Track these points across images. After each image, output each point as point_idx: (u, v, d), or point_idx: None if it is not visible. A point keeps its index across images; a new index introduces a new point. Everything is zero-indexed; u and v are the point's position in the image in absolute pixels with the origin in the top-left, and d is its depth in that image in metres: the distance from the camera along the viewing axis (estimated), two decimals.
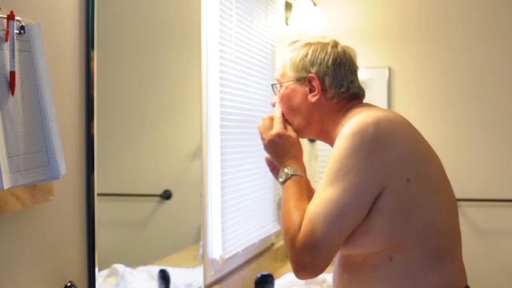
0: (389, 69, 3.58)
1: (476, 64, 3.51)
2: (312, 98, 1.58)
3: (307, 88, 1.58)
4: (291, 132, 1.63)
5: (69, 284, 1.44)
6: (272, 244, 3.24)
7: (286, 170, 1.58)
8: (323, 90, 1.57)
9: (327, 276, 2.66)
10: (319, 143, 3.65)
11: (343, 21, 3.59)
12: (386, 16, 3.62)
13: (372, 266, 1.45)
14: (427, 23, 3.58)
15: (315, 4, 3.52)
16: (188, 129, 2.34)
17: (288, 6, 3.44)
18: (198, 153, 2.30)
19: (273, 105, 1.70)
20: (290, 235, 1.44)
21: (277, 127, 1.63)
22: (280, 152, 1.62)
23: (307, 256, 1.40)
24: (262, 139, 1.67)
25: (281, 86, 1.64)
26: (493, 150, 3.48)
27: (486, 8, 3.52)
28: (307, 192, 1.61)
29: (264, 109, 3.03)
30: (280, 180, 1.58)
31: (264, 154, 1.73)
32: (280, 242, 3.33)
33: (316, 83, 1.57)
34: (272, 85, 1.69)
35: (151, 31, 2.10)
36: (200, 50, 2.29)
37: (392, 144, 1.41)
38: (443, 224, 1.47)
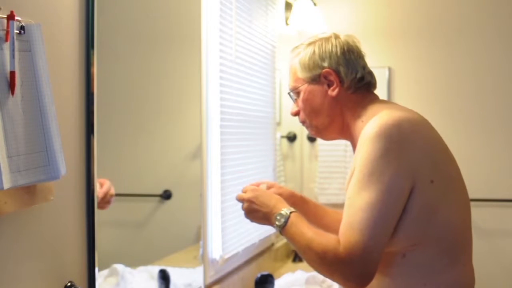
0: (389, 69, 3.58)
1: (476, 64, 3.51)
2: (333, 92, 1.57)
3: (325, 85, 1.58)
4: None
5: (69, 284, 1.44)
6: (272, 244, 3.24)
7: (282, 212, 1.53)
8: (341, 81, 1.57)
9: None
10: (319, 143, 3.65)
11: (343, 21, 3.59)
12: (386, 16, 3.62)
13: (385, 262, 1.45)
14: (427, 23, 3.58)
15: (315, 4, 3.52)
16: (188, 129, 2.34)
17: (288, 6, 3.44)
18: (198, 153, 2.30)
19: (293, 114, 1.68)
20: (330, 255, 1.38)
21: (247, 194, 1.63)
22: (262, 207, 1.59)
23: (359, 264, 1.35)
24: (246, 215, 1.65)
25: (298, 93, 1.63)
26: (493, 150, 3.48)
27: (486, 8, 3.52)
28: (315, 207, 1.62)
29: (264, 109, 3.03)
30: (279, 224, 1.52)
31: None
32: (280, 242, 3.33)
33: (332, 77, 1.57)
34: (288, 93, 1.68)
35: (151, 31, 2.10)
36: (200, 50, 2.29)
37: (415, 145, 1.42)
38: (460, 224, 1.48)
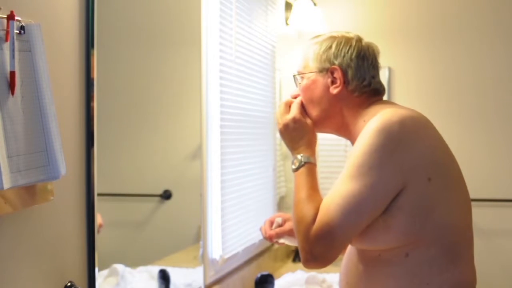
0: (389, 69, 3.58)
1: (476, 64, 3.51)
2: (334, 90, 1.58)
3: (329, 80, 1.58)
4: (309, 121, 1.62)
5: (69, 284, 1.44)
6: (272, 244, 3.24)
7: (299, 156, 1.58)
8: (345, 82, 1.57)
9: (327, 276, 2.66)
10: (319, 143, 3.64)
11: (343, 21, 3.59)
12: (386, 16, 3.62)
13: (387, 262, 1.46)
14: (427, 23, 3.58)
15: (315, 4, 3.52)
16: (188, 129, 2.34)
17: (288, 6, 3.44)
18: (198, 153, 2.30)
19: (292, 97, 1.69)
20: (304, 224, 1.44)
21: (294, 112, 1.62)
22: (294, 137, 1.61)
23: (320, 246, 1.41)
24: (277, 124, 1.66)
25: (302, 77, 1.64)
26: (493, 150, 3.48)
27: (486, 8, 3.52)
28: None
29: (264, 109, 3.03)
30: (293, 167, 1.57)
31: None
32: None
33: (338, 75, 1.57)
34: (293, 76, 1.68)
35: (151, 31, 2.10)
36: (200, 50, 2.29)
37: (416, 143, 1.43)
38: (460, 223, 1.48)
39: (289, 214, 1.76)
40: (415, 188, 1.40)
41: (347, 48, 1.58)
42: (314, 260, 1.43)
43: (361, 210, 1.40)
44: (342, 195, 1.40)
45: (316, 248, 1.41)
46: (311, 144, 1.62)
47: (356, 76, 1.57)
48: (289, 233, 1.74)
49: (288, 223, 1.75)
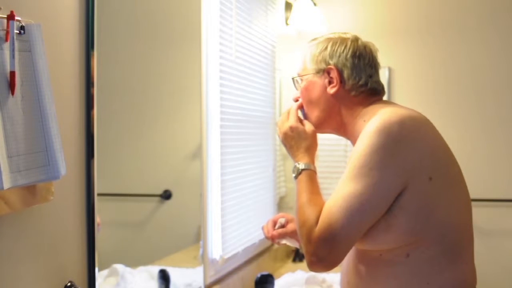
0: (389, 69, 3.58)
1: (475, 64, 3.51)
2: (331, 90, 1.59)
3: (326, 80, 1.60)
4: (308, 126, 1.64)
5: (69, 284, 1.44)
6: (272, 244, 3.24)
7: (297, 164, 1.59)
8: (342, 82, 1.58)
9: (327, 276, 2.66)
10: (319, 143, 3.64)
11: (343, 21, 3.59)
12: (386, 16, 3.62)
13: (388, 261, 1.46)
14: (427, 23, 3.58)
15: (315, 4, 3.52)
16: (188, 129, 2.34)
17: (288, 6, 3.44)
18: (198, 153, 2.30)
19: (295, 100, 1.71)
20: (306, 228, 1.44)
21: (290, 120, 1.65)
22: (293, 146, 1.63)
23: (324, 248, 1.40)
24: (279, 133, 1.68)
25: (301, 80, 1.65)
26: (493, 150, 3.48)
27: (486, 8, 3.52)
28: None
29: (264, 109, 3.03)
30: (293, 175, 1.59)
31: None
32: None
33: (334, 74, 1.58)
34: (292, 78, 1.70)
35: (151, 31, 2.10)
36: (200, 50, 2.29)
37: (416, 143, 1.43)
38: (461, 222, 1.49)
39: (291, 215, 1.77)
40: (416, 187, 1.41)
41: (342, 48, 1.60)
42: (319, 262, 1.42)
43: (364, 211, 1.39)
44: (344, 197, 1.40)
45: (320, 250, 1.40)
46: (309, 151, 1.64)
47: (352, 76, 1.58)
48: (291, 235, 1.74)
49: (291, 224, 1.76)
